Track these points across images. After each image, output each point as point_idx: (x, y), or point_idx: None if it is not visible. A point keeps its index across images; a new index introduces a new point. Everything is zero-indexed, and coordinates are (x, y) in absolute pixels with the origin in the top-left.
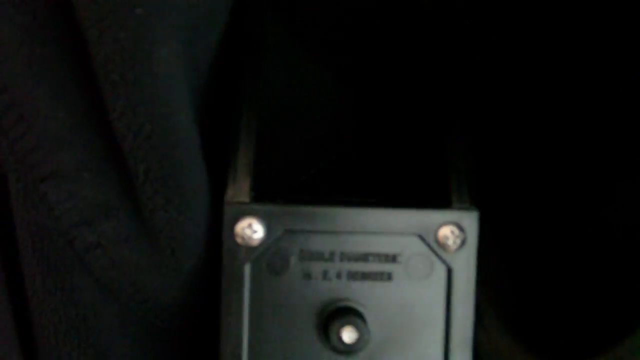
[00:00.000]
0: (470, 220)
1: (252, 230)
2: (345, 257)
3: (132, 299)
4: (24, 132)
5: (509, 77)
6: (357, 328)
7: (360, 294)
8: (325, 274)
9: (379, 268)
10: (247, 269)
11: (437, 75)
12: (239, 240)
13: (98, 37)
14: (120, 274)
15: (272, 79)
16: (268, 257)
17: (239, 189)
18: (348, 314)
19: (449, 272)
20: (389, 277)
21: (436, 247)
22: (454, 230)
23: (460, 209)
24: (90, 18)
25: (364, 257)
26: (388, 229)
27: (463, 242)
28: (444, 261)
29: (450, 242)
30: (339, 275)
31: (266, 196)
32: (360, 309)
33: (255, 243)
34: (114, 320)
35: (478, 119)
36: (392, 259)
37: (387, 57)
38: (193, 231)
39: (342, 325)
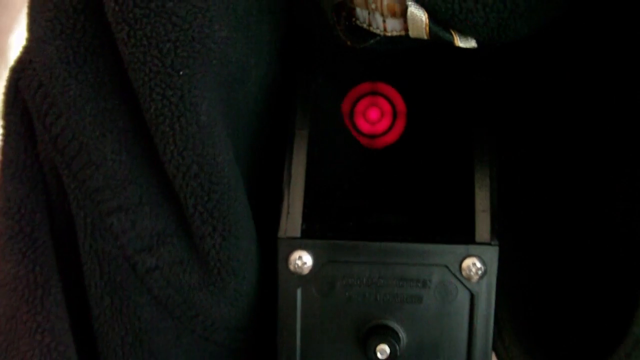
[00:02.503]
0: (491, 254)
1: (303, 261)
2: (382, 282)
3: (185, 314)
4: (91, 173)
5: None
6: (390, 344)
7: (394, 314)
8: (364, 297)
9: (410, 292)
10: (299, 293)
11: (467, 114)
12: (291, 268)
13: (149, 94)
14: (175, 292)
15: (318, 117)
16: (316, 282)
17: (292, 225)
18: (384, 330)
19: (472, 297)
20: (419, 300)
21: (460, 276)
22: (476, 263)
23: (482, 243)
24: (141, 79)
25: (398, 283)
26: (419, 260)
27: (484, 273)
28: (467, 288)
29: (472, 272)
30: (376, 298)
31: (315, 217)
32: (394, 326)
33: (305, 272)
34: (170, 333)
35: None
36: (423, 284)
37: (423, 98)
38: (236, 254)
39: (378, 341)
